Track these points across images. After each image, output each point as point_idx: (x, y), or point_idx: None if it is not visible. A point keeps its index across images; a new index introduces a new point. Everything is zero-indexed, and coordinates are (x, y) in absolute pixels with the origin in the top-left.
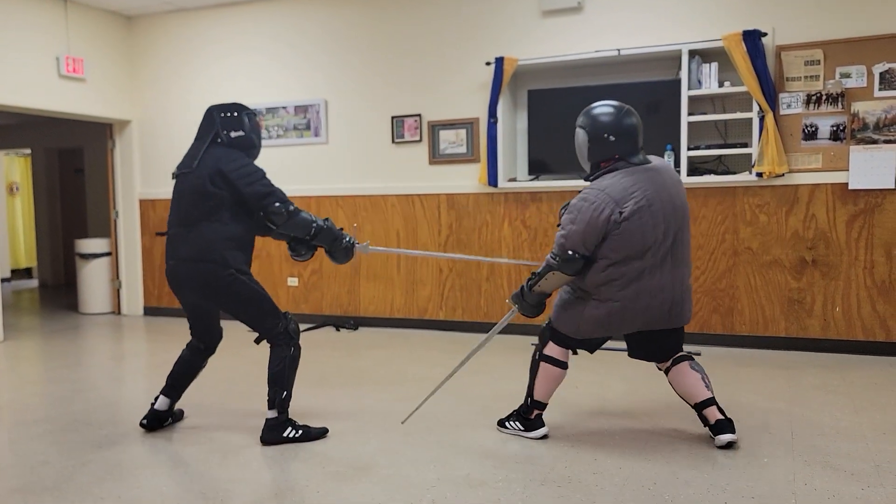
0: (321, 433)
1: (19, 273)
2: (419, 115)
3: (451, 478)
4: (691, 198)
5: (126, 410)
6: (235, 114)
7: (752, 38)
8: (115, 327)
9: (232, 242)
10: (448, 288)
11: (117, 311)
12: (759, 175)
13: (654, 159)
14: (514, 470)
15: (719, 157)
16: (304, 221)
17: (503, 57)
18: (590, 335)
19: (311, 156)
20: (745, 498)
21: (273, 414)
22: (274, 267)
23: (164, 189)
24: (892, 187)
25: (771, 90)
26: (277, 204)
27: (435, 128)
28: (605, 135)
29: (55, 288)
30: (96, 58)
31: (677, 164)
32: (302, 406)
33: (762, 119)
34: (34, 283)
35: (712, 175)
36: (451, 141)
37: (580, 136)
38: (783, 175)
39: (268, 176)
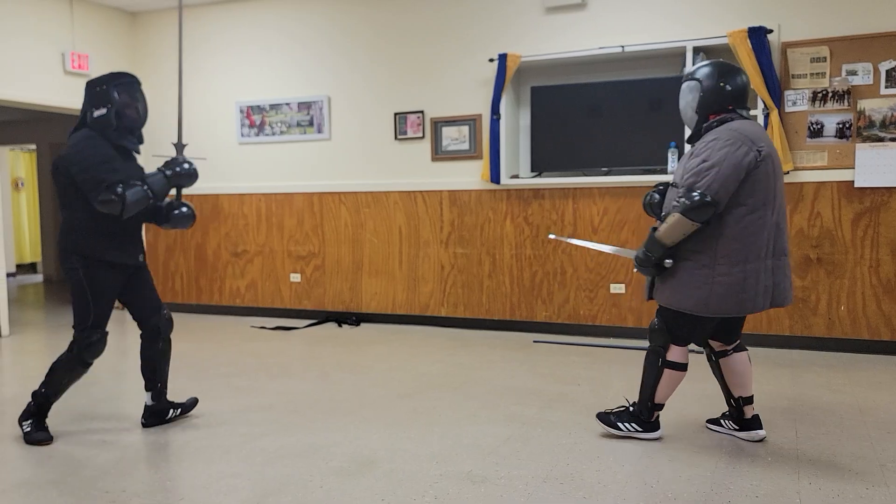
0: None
1: (24, 268)
2: (422, 112)
3: (453, 474)
4: None
5: (129, 405)
6: (103, 87)
7: (758, 35)
8: (118, 322)
9: (86, 231)
10: (450, 284)
11: (120, 306)
12: None
13: None
14: (517, 467)
15: None
16: (139, 193)
17: (506, 53)
18: (721, 313)
19: (314, 152)
20: (749, 496)
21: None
22: (277, 263)
23: None
24: None
25: (776, 87)
26: (103, 197)
27: (438, 124)
28: (722, 83)
29: (60, 283)
30: (101, 54)
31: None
32: (305, 400)
33: (767, 116)
34: (39, 278)
35: None
36: (454, 137)
37: (690, 87)
38: (788, 173)
39: (115, 164)
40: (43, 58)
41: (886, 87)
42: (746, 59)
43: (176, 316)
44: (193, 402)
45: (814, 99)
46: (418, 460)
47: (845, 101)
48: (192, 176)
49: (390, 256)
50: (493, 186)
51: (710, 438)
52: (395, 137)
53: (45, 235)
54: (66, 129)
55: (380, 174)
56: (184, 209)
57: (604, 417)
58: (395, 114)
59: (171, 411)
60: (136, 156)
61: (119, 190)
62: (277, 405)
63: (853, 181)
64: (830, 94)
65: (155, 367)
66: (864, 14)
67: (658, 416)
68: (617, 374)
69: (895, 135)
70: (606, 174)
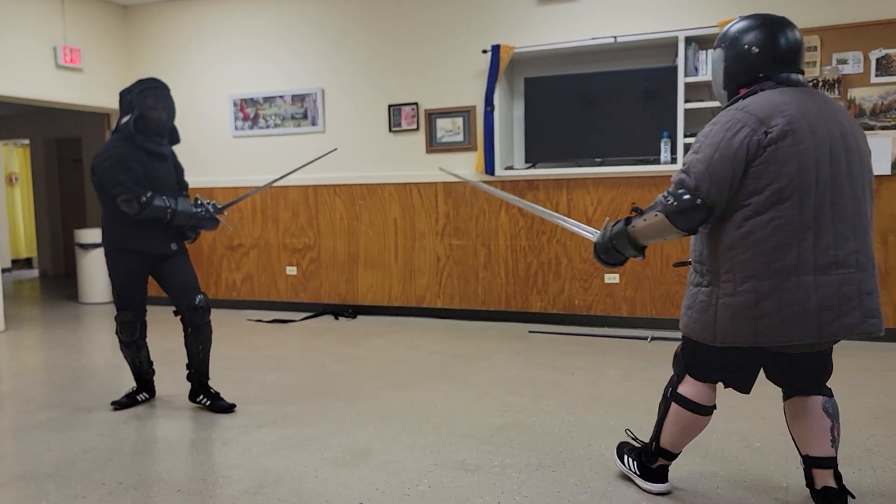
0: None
1: (19, 263)
2: (416, 104)
3: (447, 463)
4: None
5: None
6: (129, 95)
7: None
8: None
9: (113, 222)
10: (446, 276)
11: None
12: None
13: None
14: (510, 455)
15: None
16: (159, 208)
17: (499, 45)
18: (729, 340)
19: (308, 145)
20: (738, 482)
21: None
22: (272, 256)
23: None
24: (889, 174)
25: None
26: (123, 197)
27: (432, 116)
28: (747, 46)
29: (55, 278)
30: (93, 48)
31: (674, 150)
32: (301, 392)
33: None
34: (34, 273)
35: None
36: (448, 129)
37: (715, 57)
38: None
39: (129, 164)
40: (34, 52)
41: (877, 76)
42: None
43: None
44: (227, 407)
45: None
46: (413, 450)
47: (836, 89)
48: (210, 224)
49: (386, 249)
50: (488, 178)
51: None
52: (390, 130)
53: (40, 230)
54: (59, 123)
55: (374, 166)
56: (204, 211)
57: (619, 447)
58: (390, 106)
59: (203, 397)
60: (169, 154)
61: (143, 199)
62: (274, 397)
63: None
64: (821, 83)
65: (188, 350)
66: (855, 3)
67: (664, 468)
68: (611, 363)
69: (886, 123)
70: (600, 164)
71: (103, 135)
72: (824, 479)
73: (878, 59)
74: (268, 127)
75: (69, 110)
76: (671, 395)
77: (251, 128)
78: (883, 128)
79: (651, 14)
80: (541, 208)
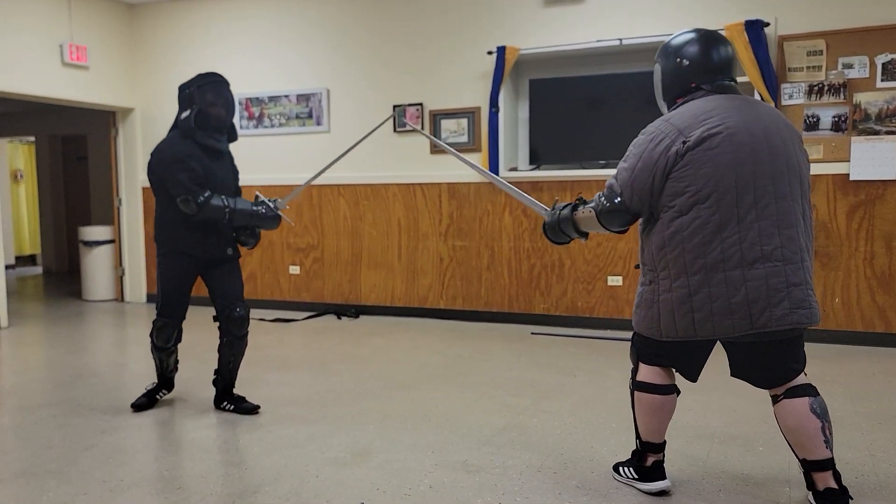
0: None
1: (23, 260)
2: (421, 104)
3: (448, 463)
4: None
5: (128, 396)
6: (189, 90)
7: (755, 28)
8: (118, 314)
9: (167, 223)
10: (448, 277)
11: (120, 298)
12: None
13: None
14: (511, 456)
15: None
16: (216, 208)
17: (505, 46)
18: (672, 335)
19: (313, 144)
20: (741, 485)
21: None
22: (276, 255)
23: None
24: (894, 178)
25: (773, 80)
26: (182, 197)
27: (436, 117)
28: (679, 59)
29: (59, 275)
30: (99, 46)
31: None
32: (303, 391)
33: None
34: (38, 270)
35: None
36: (453, 130)
37: (656, 73)
38: None
39: (189, 163)
40: (41, 49)
41: (882, 81)
42: (743, 52)
43: None
44: (252, 408)
45: (810, 92)
46: (414, 450)
47: (841, 94)
48: (271, 223)
49: (389, 249)
50: None
51: (705, 432)
52: (395, 130)
53: (45, 227)
54: (64, 120)
55: (379, 167)
56: (245, 245)
57: (615, 466)
58: (395, 106)
59: (227, 403)
60: (226, 151)
61: (200, 199)
62: (275, 396)
63: (848, 174)
64: (826, 88)
65: (220, 358)
66: (861, 7)
67: (659, 464)
68: (613, 365)
69: (890, 128)
70: (604, 167)
71: (108, 132)
72: (825, 480)
73: (883, 64)
74: (273, 126)
75: (74, 108)
76: (633, 386)
77: (256, 127)
78: (888, 132)
79: (656, 17)
80: (496, 177)
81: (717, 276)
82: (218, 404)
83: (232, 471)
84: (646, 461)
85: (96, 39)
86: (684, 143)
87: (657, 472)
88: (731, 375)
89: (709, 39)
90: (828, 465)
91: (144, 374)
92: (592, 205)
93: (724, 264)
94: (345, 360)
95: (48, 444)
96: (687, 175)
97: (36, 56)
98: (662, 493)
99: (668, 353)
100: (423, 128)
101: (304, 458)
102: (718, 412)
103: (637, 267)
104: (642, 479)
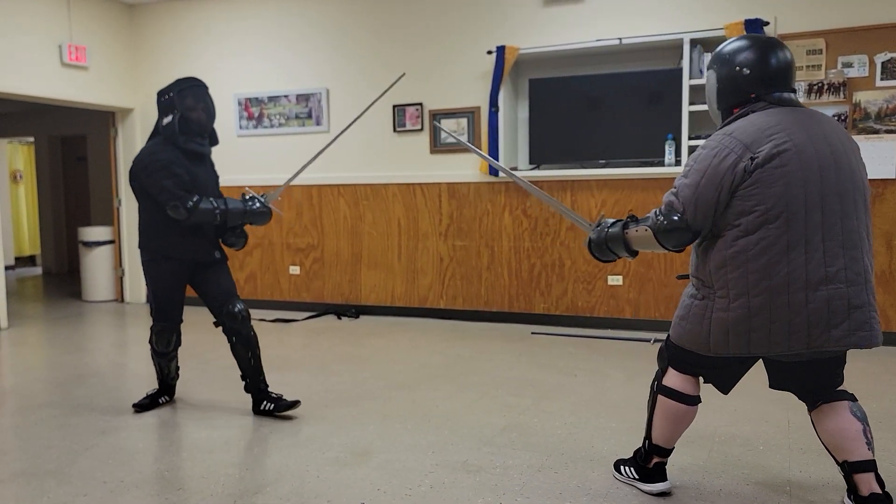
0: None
1: (23, 261)
2: (420, 104)
3: (448, 463)
4: None
5: (128, 396)
6: (168, 95)
7: (754, 27)
8: (118, 315)
9: (152, 229)
10: (448, 276)
11: (120, 298)
12: None
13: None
14: (512, 456)
15: None
16: (206, 212)
17: (504, 46)
18: (723, 351)
19: (313, 144)
20: (741, 484)
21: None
22: (276, 255)
23: None
24: (893, 177)
25: None
26: (171, 204)
27: (436, 117)
28: (738, 68)
29: (58, 276)
30: (98, 46)
31: (678, 153)
32: (303, 392)
33: None
34: (38, 270)
35: None
36: (453, 130)
37: (709, 77)
38: None
39: (174, 169)
40: (40, 49)
41: (882, 80)
42: None
43: None
44: (291, 404)
45: (809, 91)
46: (414, 450)
47: (841, 93)
48: (261, 219)
49: (389, 249)
50: (492, 179)
51: (705, 431)
52: (394, 130)
53: (44, 228)
54: (64, 121)
55: (378, 167)
56: (233, 246)
57: (616, 463)
58: (394, 106)
59: (265, 403)
60: (208, 155)
61: (189, 205)
62: None
63: None
64: (826, 87)
65: (238, 361)
66: (860, 6)
67: (661, 466)
68: (614, 365)
69: (890, 127)
70: (604, 166)
71: (107, 133)
72: (869, 484)
73: (883, 63)
74: (272, 126)
75: (74, 108)
76: (657, 389)
77: (255, 127)
78: (888, 131)
79: (656, 16)
80: (541, 192)
81: (781, 299)
82: (257, 409)
83: (232, 471)
84: (649, 463)
85: (96, 40)
86: (752, 159)
87: (658, 474)
88: (770, 387)
89: (769, 47)
90: (870, 466)
91: (144, 375)
92: (648, 223)
93: (790, 287)
94: (345, 361)
95: (48, 444)
96: (756, 193)
97: (35, 56)
98: (663, 495)
99: (708, 365)
100: (422, 128)
101: (304, 459)
102: (718, 412)
103: (681, 277)
104: (643, 479)
